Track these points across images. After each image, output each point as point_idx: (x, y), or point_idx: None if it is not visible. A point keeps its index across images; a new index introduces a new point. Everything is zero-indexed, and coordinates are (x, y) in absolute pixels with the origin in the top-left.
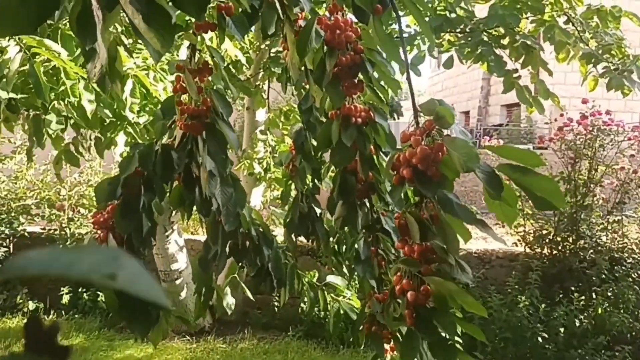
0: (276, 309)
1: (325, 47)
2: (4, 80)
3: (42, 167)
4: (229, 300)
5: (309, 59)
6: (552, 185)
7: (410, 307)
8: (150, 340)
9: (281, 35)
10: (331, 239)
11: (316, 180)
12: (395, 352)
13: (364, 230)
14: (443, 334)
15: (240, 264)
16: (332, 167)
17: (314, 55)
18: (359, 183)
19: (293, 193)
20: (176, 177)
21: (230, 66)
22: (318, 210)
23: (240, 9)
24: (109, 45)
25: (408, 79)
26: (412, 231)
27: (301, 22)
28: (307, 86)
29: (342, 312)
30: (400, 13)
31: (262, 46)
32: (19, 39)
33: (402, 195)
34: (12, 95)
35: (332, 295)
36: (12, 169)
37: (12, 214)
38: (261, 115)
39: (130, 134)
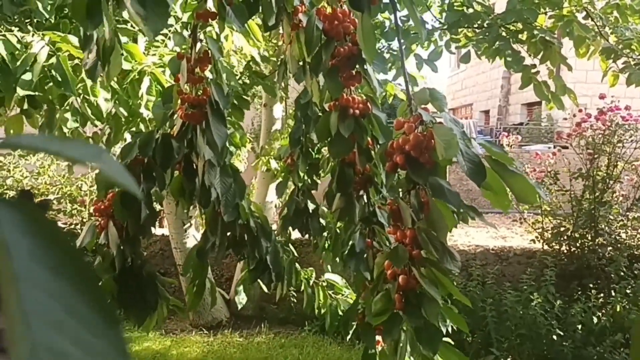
0: (292, 304)
1: (322, 38)
2: (24, 75)
3: (64, 163)
4: (241, 297)
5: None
6: (526, 183)
7: (400, 291)
8: (144, 327)
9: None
10: (325, 234)
11: (314, 176)
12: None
13: (360, 223)
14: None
15: (239, 256)
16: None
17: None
18: (357, 175)
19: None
20: (177, 167)
21: (251, 63)
22: (313, 206)
23: None
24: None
25: (402, 67)
26: (404, 216)
27: (301, 16)
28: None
29: (340, 310)
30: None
31: (280, 43)
32: (42, 34)
33: (396, 183)
34: (29, 92)
35: (330, 293)
36: (35, 165)
37: None
38: (278, 111)
39: (141, 130)
